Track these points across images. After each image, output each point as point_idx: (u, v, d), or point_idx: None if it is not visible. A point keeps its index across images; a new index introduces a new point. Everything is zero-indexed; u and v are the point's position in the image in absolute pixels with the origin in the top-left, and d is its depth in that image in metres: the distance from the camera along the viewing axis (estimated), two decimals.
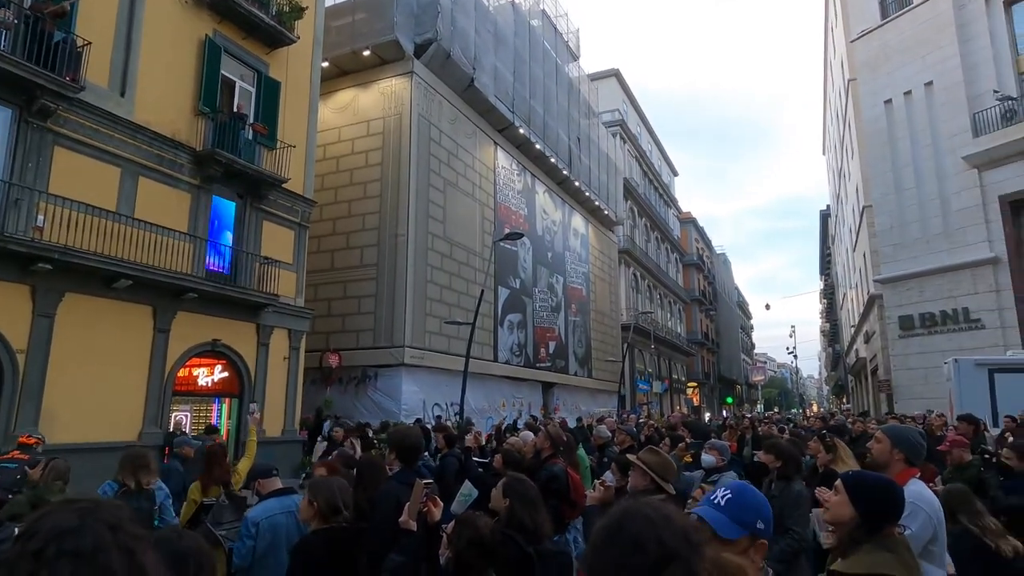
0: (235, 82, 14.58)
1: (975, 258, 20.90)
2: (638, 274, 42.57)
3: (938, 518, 3.05)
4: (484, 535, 2.78)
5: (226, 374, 14.17)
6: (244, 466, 5.36)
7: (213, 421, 13.71)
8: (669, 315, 49.27)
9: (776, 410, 55.22)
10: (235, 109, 14.12)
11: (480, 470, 6.03)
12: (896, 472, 3.29)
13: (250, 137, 14.28)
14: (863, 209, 28.07)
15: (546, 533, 3.22)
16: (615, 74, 43.98)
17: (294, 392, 15.63)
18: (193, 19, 13.64)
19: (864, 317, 31.72)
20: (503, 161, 25.38)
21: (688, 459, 6.22)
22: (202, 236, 13.33)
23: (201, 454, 6.18)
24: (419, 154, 19.67)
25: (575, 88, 31.49)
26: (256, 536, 3.79)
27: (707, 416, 42.90)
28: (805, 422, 16.77)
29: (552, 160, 28.32)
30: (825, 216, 56.19)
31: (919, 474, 3.38)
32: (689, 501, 4.28)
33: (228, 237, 14.28)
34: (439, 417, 16.77)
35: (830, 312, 62.08)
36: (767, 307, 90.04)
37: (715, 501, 1.90)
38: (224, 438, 13.93)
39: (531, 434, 6.89)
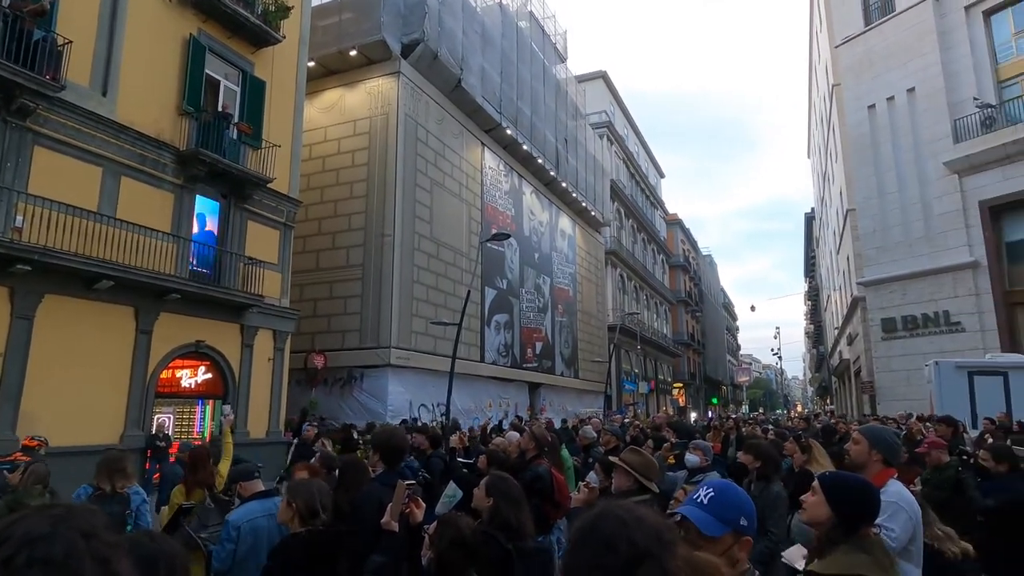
0: (220, 81, 14.46)
1: (956, 262, 21.20)
2: (624, 275, 42.74)
3: (917, 518, 3.09)
4: (466, 535, 2.78)
5: (210, 375, 14.04)
6: (223, 468, 5.32)
7: (197, 422, 13.59)
8: (655, 316, 49.51)
9: (761, 411, 55.72)
10: (220, 108, 14.01)
11: (465, 471, 6.03)
12: (874, 472, 3.33)
13: (235, 137, 14.17)
14: (847, 212, 28.39)
15: (528, 532, 3.23)
16: (602, 76, 44.15)
17: (279, 393, 15.52)
18: (177, 18, 13.52)
19: (847, 319, 32.06)
20: (490, 162, 25.39)
21: (672, 460, 6.26)
22: (185, 236, 13.21)
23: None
24: (406, 154, 19.62)
25: (562, 90, 31.57)
26: (237, 539, 3.76)
27: (693, 416, 43.17)
28: (789, 423, 16.91)
29: (539, 161, 28.37)
30: (810, 219, 56.75)
31: (896, 474, 3.43)
32: (672, 502, 4.31)
33: (212, 237, 14.15)
34: (415, 419, 16.68)
35: (814, 314, 62.68)
36: (752, 308, 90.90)
37: (698, 500, 1.92)
38: (207, 440, 13.85)
39: (517, 434, 6.90)
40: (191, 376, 13.77)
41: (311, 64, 18.47)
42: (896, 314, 22.91)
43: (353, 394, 18.69)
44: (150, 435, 12.27)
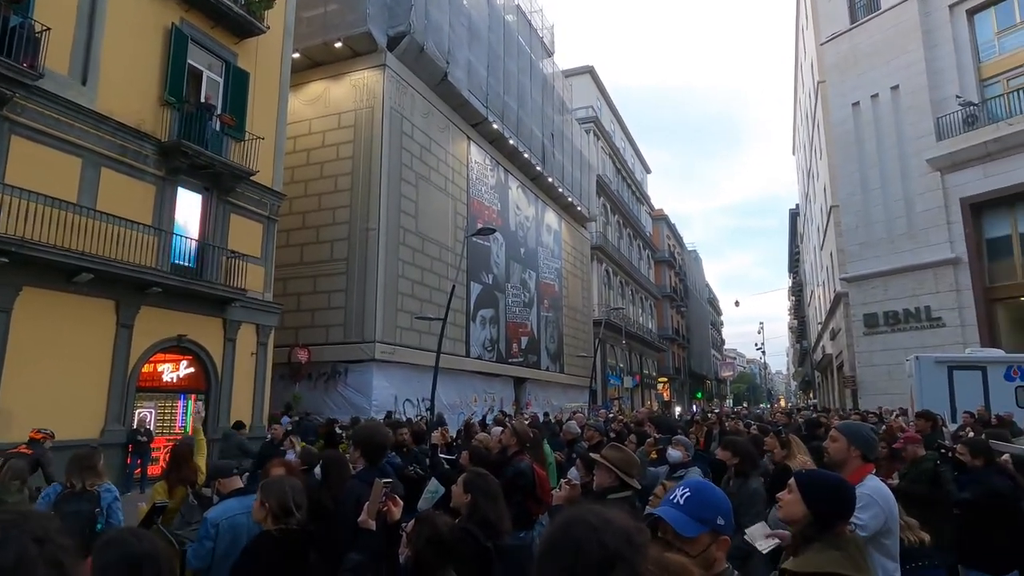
0: (202, 72, 14.26)
1: (937, 258, 21.45)
2: (610, 270, 42.86)
3: (890, 512, 3.12)
4: (443, 533, 2.76)
5: (192, 370, 13.90)
6: (200, 464, 5.27)
7: (179, 417, 13.46)
8: (640, 311, 49.73)
9: (745, 405, 56.19)
10: (202, 100, 13.81)
11: (447, 467, 6.01)
12: (853, 468, 3.36)
13: (217, 128, 13.99)
14: (830, 209, 28.62)
15: (506, 528, 3.23)
16: (589, 71, 44.12)
17: (262, 388, 15.41)
18: (159, 6, 13.29)
19: (831, 314, 32.37)
20: (476, 156, 25.30)
21: (654, 455, 6.28)
22: (167, 229, 13.03)
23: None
24: (391, 147, 19.49)
25: (549, 84, 31.50)
26: (216, 537, 3.72)
27: (677, 411, 43.47)
28: (771, 417, 17.05)
29: (526, 156, 28.32)
30: (794, 215, 57.17)
31: (874, 469, 3.46)
32: (651, 498, 4.32)
33: (194, 230, 13.98)
34: (390, 414, 16.60)
35: (798, 309, 63.28)
36: (736, 304, 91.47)
37: (674, 500, 1.92)
38: (191, 434, 13.73)
39: (501, 429, 6.89)
40: (173, 370, 13.62)
41: (296, 56, 18.28)
42: (878, 309, 23.15)
43: (337, 389, 18.60)
44: (131, 430, 12.13)
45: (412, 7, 19.75)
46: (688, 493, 1.89)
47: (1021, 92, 20.34)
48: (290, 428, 11.51)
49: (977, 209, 21.07)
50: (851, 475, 3.33)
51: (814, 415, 13.33)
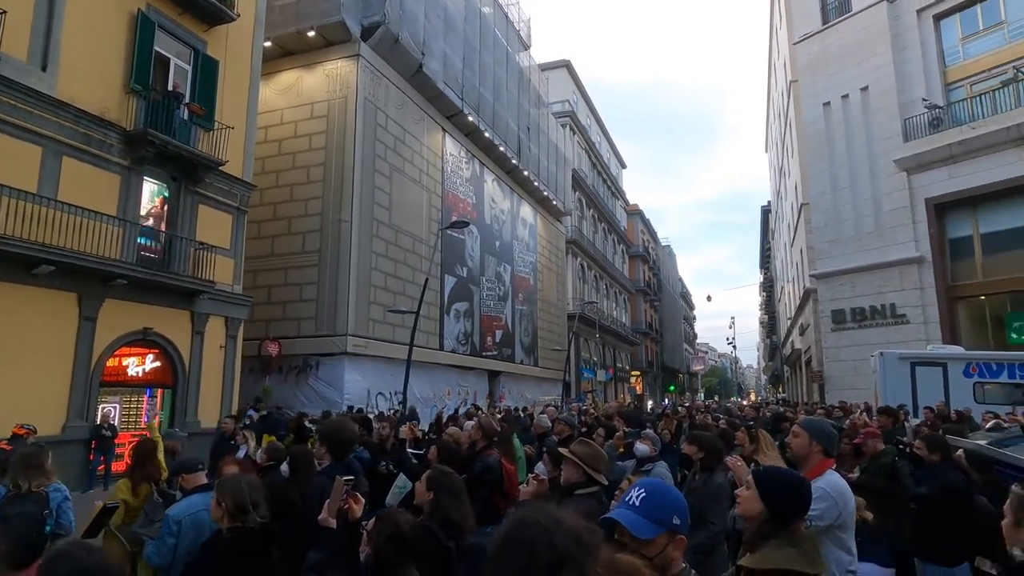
0: (170, 59, 13.89)
1: (902, 257, 21.95)
2: (585, 264, 43.06)
3: (845, 506, 3.18)
4: (404, 531, 2.74)
5: (159, 364, 13.62)
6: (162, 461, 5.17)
7: (144, 412, 13.18)
8: (614, 305, 50.08)
9: (716, 399, 57.01)
10: (170, 88, 13.47)
11: (416, 462, 5.98)
12: (815, 463, 3.42)
13: (186, 117, 13.67)
14: (801, 206, 29.09)
15: (470, 526, 3.21)
16: (566, 65, 44.12)
17: (231, 382, 15.16)
18: None
19: (800, 310, 32.96)
20: (451, 148, 25.16)
21: (622, 449, 6.33)
22: (133, 220, 12.72)
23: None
24: (365, 139, 19.28)
25: (525, 77, 31.44)
26: (178, 534, 3.66)
27: (649, 404, 43.91)
28: (740, 411, 17.31)
29: (501, 149, 28.25)
30: (766, 212, 58.04)
31: (835, 464, 3.53)
32: (616, 492, 4.35)
33: (161, 221, 13.66)
34: (352, 407, 16.44)
35: (769, 304, 64.37)
36: (708, 299, 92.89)
37: (630, 502, 1.92)
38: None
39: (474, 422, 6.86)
40: (139, 364, 13.33)
41: (267, 44, 17.94)
42: (846, 306, 23.63)
43: (309, 382, 18.41)
44: (95, 425, 11.85)
45: None
46: (644, 494, 1.89)
47: (984, 97, 20.89)
48: (248, 423, 11.29)
49: (941, 209, 21.60)
50: (812, 469, 3.40)
51: (780, 409, 13.58)
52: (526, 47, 33.29)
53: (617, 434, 6.83)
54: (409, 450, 6.42)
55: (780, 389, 53.83)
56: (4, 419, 10.20)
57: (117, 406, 12.87)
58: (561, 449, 4.24)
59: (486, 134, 26.62)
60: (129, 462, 5.28)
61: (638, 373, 55.57)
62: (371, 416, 14.68)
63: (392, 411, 18.05)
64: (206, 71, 14.46)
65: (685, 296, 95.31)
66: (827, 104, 25.26)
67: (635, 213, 60.88)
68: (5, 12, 10.39)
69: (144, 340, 13.09)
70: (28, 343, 10.89)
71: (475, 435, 5.66)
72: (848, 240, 23.94)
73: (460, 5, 24.52)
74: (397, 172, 21.06)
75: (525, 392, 30.76)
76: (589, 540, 1.31)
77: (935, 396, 14.00)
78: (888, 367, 15.51)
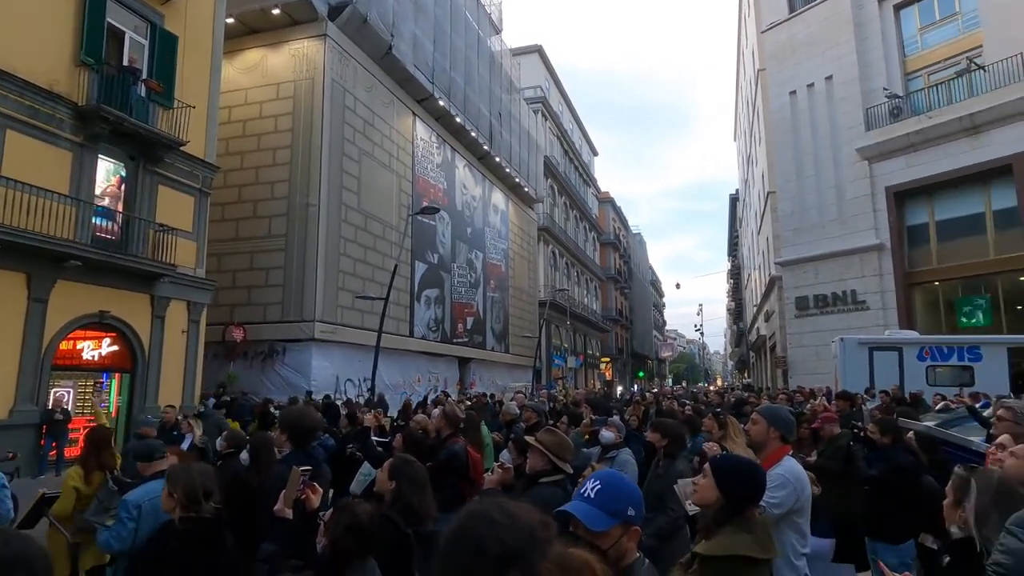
0: (125, 33, 13.33)
1: (863, 244, 22.47)
2: (556, 252, 43.16)
3: (802, 491, 3.24)
4: (363, 522, 2.70)
5: (116, 348, 13.24)
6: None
7: (102, 398, 12.82)
8: (585, 292, 50.39)
9: (683, 384, 57.99)
10: (126, 63, 12.96)
11: (380, 450, 5.94)
12: (773, 449, 3.47)
13: (143, 94, 13.18)
14: (767, 195, 29.52)
15: (431, 515, 3.19)
16: (538, 50, 43.83)
17: (193, 367, 14.85)
18: None
19: (765, 297, 33.57)
20: (422, 133, 24.85)
21: (588, 436, 6.36)
22: (87, 199, 12.27)
23: None
24: (332, 121, 18.90)
25: (497, 62, 31.15)
26: (138, 518, 3.58)
27: (619, 390, 44.46)
28: (706, 397, 17.62)
29: (473, 134, 28.01)
30: (734, 200, 58.82)
31: (792, 450, 3.58)
32: (580, 480, 4.37)
33: (117, 202, 13.21)
34: (310, 394, 16.25)
35: (736, 292, 65.45)
36: (677, 286, 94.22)
37: (585, 494, 1.91)
38: (114, 415, 13.15)
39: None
40: (94, 348, 12.94)
41: (230, 21, 17.39)
42: (809, 293, 24.13)
43: (275, 368, 18.15)
44: (46, 410, 11.49)
45: None
46: (599, 486, 1.89)
47: (940, 87, 21.40)
48: (202, 411, 11.03)
49: (900, 198, 22.13)
50: (770, 455, 3.45)
51: (743, 395, 13.84)
52: (498, 31, 32.96)
53: (584, 421, 6.86)
54: (374, 438, 6.36)
55: (746, 374, 54.94)
56: None
57: (71, 390, 12.49)
58: (527, 437, 4.23)
59: (457, 119, 26.34)
60: (83, 449, 5.13)
61: (608, 359, 56.14)
62: (339, 403, 14.64)
63: (360, 398, 17.94)
64: (164, 46, 13.95)
65: (655, 283, 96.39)
66: (793, 93, 25.59)
67: (606, 201, 61.14)
68: None
69: (100, 323, 12.70)
70: None
71: (438, 424, 5.63)
72: (812, 228, 24.40)
73: None
74: (366, 156, 20.73)
75: (496, 379, 30.83)
76: (541, 536, 1.29)
77: (891, 380, 14.43)
78: (848, 352, 15.93)
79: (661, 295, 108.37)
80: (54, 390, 11.95)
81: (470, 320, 28.64)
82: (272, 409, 10.82)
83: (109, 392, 13.21)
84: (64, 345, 12.21)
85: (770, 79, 27.18)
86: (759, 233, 35.82)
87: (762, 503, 2.80)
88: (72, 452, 11.31)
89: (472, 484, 5.37)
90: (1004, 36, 19.73)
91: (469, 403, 13.29)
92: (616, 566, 1.82)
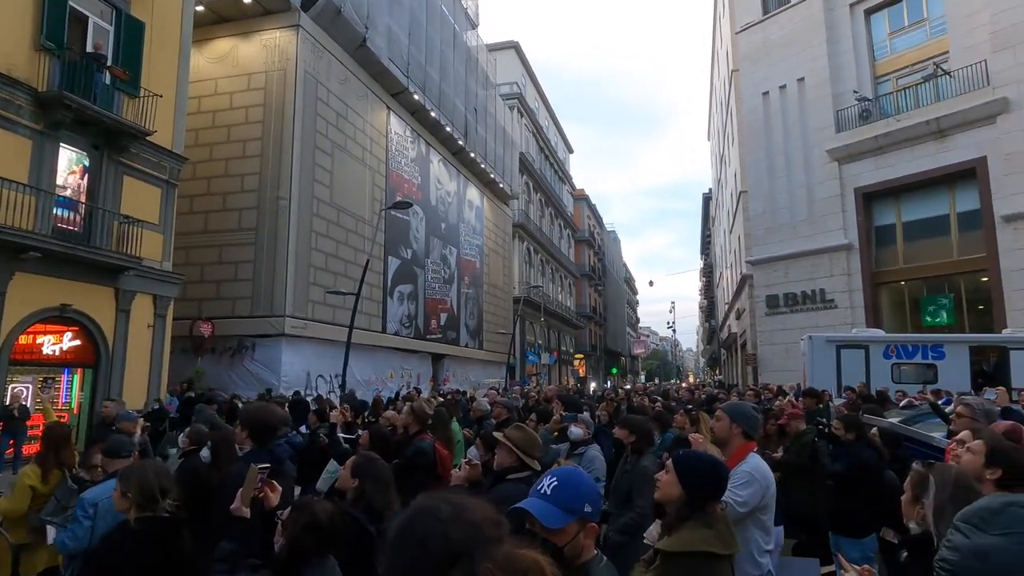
0: (88, 18, 12.91)
1: (832, 244, 22.91)
2: (531, 248, 43.19)
3: (768, 488, 3.26)
4: (321, 520, 2.64)
5: (78, 342, 12.87)
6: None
7: (62, 393, 12.46)
8: (560, 289, 50.53)
9: (656, 381, 58.53)
10: (90, 49, 12.56)
11: (347, 447, 5.85)
12: (736, 446, 3.48)
13: (108, 82, 12.81)
14: (740, 194, 29.91)
15: (394, 512, 3.14)
16: (514, 47, 43.73)
17: (159, 362, 14.52)
18: None
19: (737, 295, 34.04)
20: (396, 127, 24.62)
21: (558, 433, 6.35)
22: (47, 189, 11.89)
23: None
24: (305, 113, 18.61)
25: (473, 57, 30.99)
26: (95, 516, 3.47)
27: (592, 386, 44.70)
28: (677, 394, 17.79)
29: (448, 129, 27.84)
30: (707, 199, 59.50)
31: (756, 447, 3.60)
32: None
33: (80, 192, 12.83)
34: (268, 391, 15.98)
35: (708, 290, 66.29)
36: (651, 284, 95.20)
37: (542, 491, 1.89)
38: (76, 412, 12.81)
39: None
40: (55, 342, 12.56)
41: (199, 8, 16.99)
42: (779, 291, 24.52)
43: (244, 364, 17.84)
44: (3, 406, 11.13)
45: None
46: (556, 483, 1.87)
47: (908, 91, 21.89)
48: (155, 408, 10.77)
49: (868, 198, 22.60)
50: (735, 452, 3.46)
51: (714, 392, 14.00)
52: (474, 26, 32.80)
53: (554, 418, 6.85)
54: (341, 434, 6.27)
55: (717, 371, 55.67)
56: None
57: (30, 386, 12.10)
58: (496, 434, 4.20)
59: (432, 114, 26.15)
60: (40, 446, 4.96)
61: (582, 356, 56.42)
62: (308, 399, 14.44)
63: (331, 394, 17.74)
64: (130, 33, 13.57)
65: (628, 281, 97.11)
66: (766, 94, 25.93)
67: (582, 198, 61.35)
68: None
69: (62, 317, 12.32)
70: None
71: (405, 421, 5.57)
72: (783, 227, 24.78)
73: None
74: (339, 149, 20.46)
75: (470, 375, 30.75)
76: (488, 534, 1.25)
77: (858, 377, 14.72)
78: (816, 350, 16.21)
79: (635, 293, 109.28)
80: (11, 386, 11.58)
81: (444, 316, 28.52)
82: (240, 405, 10.63)
83: (71, 388, 12.83)
84: (23, 339, 11.83)
85: (743, 80, 27.51)
86: (731, 232, 36.28)
87: (728, 501, 2.81)
88: (31, 449, 10.96)
89: (440, 480, 5.32)
90: (968, 43, 20.25)
91: (442, 399, 13.22)
92: (573, 563, 1.80)
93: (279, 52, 18.56)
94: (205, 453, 4.85)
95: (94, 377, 13.06)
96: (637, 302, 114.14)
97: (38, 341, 12.39)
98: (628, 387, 27.24)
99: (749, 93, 26.81)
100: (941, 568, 1.04)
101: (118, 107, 13.08)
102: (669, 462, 2.51)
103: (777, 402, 10.44)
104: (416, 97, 24.63)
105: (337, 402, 13.77)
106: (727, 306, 41.51)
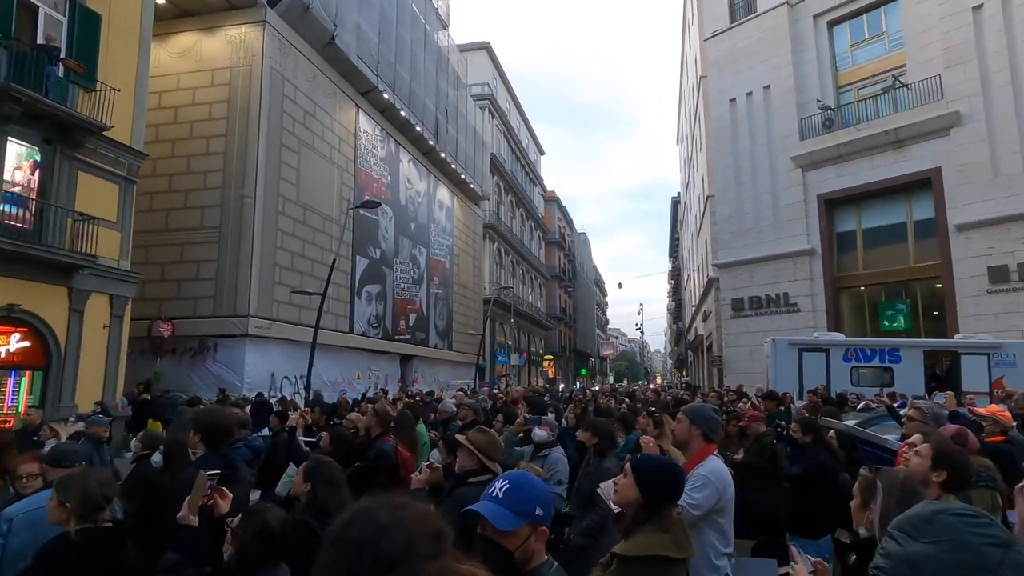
0: (39, 7, 12.42)
1: (796, 249, 23.40)
2: (502, 249, 43.19)
3: (725, 491, 3.27)
4: (273, 528, 2.57)
5: (27, 343, 12.39)
6: None
7: (8, 397, 11.99)
8: (530, 290, 50.64)
9: (624, 382, 59.01)
10: (41, 40, 12.12)
11: (307, 449, 5.74)
12: (696, 448, 3.49)
13: (61, 74, 12.38)
14: (707, 198, 30.35)
15: None
16: (486, 47, 43.71)
17: (115, 364, 14.07)
18: None
19: (703, 298, 34.53)
20: (365, 126, 24.37)
21: (522, 435, 6.33)
22: None
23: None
24: (271, 111, 18.28)
25: (444, 57, 30.87)
26: (7, 534, 3.25)
27: (561, 387, 44.86)
28: (644, 396, 17.93)
29: (418, 129, 27.67)
30: (676, 202, 60.24)
31: (716, 450, 3.62)
32: None
33: (31, 188, 12.37)
34: (222, 392, 15.65)
35: (676, 292, 67.08)
36: (620, 286, 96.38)
37: (493, 494, 1.87)
38: (23, 416, 12.32)
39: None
40: (2, 344, 12.08)
41: (160, 1, 16.55)
42: (744, 294, 24.95)
43: (206, 365, 17.43)
44: None
45: None
46: (507, 486, 1.85)
47: (868, 102, 22.52)
48: (96, 411, 10.42)
49: (830, 205, 23.15)
50: (695, 454, 3.47)
51: (680, 394, 14.14)
52: (445, 26, 32.69)
53: (518, 420, 6.83)
54: (301, 437, 6.15)
55: (684, 373, 56.37)
56: None
57: None
58: (458, 436, 4.16)
59: (402, 113, 25.96)
60: None
61: (551, 357, 56.61)
62: (272, 401, 14.18)
63: (295, 395, 17.47)
64: (86, 24, 13.13)
65: (598, 283, 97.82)
66: (733, 100, 26.38)
67: (552, 200, 61.61)
68: None
69: (9, 317, 11.85)
70: None
71: (370, 422, 5.48)
72: (749, 232, 25.22)
73: None
74: (306, 147, 20.16)
75: (439, 376, 30.57)
76: (422, 548, 1.21)
77: (819, 379, 15.05)
78: (779, 352, 16.52)
79: (604, 294, 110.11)
80: None
81: (413, 317, 28.31)
82: (201, 407, 10.37)
83: (18, 391, 12.34)
84: None
85: (711, 86, 27.94)
86: (698, 236, 36.79)
87: (682, 504, 2.82)
88: None
89: (402, 483, 5.25)
90: (923, 58, 20.94)
91: (409, 400, 13.10)
92: (524, 568, 1.79)
93: (244, 48, 18.21)
94: (157, 458, 4.71)
95: (44, 380, 12.60)
96: (606, 304, 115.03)
97: None
98: (596, 388, 27.41)
99: (717, 99, 27.24)
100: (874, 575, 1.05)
101: (72, 101, 12.66)
102: (627, 466, 2.51)
103: (740, 404, 10.59)
104: (386, 96, 24.43)
105: (302, 404, 13.61)
106: (694, 308, 42.07)
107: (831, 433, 5.26)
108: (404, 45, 25.92)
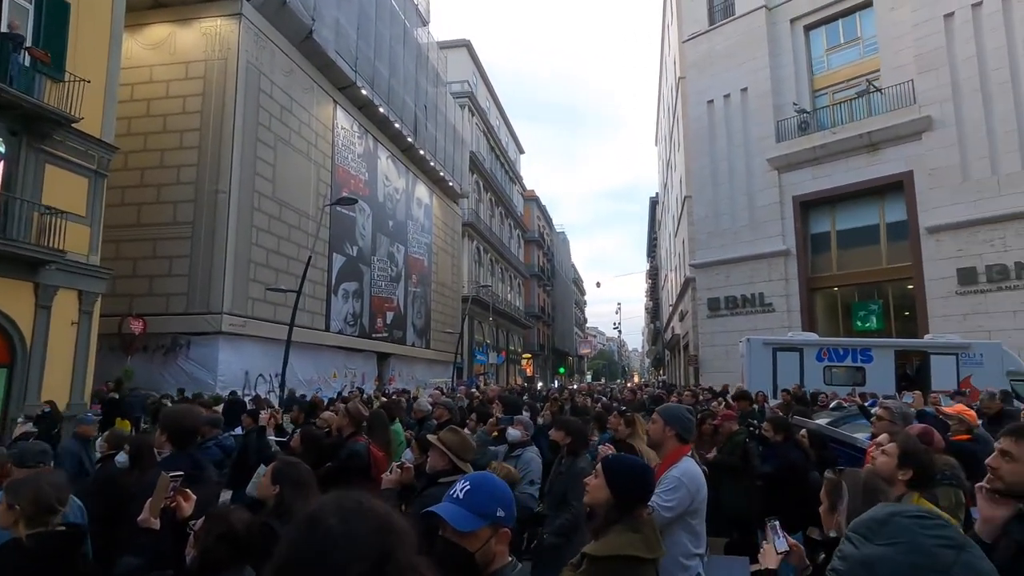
0: None
1: (771, 249, 23.70)
2: (481, 248, 43.11)
3: (698, 492, 3.27)
4: (237, 530, 2.50)
5: None
6: None
7: None
8: (509, 289, 50.64)
9: (602, 381, 59.34)
10: (6, 28, 11.78)
11: (277, 448, 5.65)
12: (670, 449, 3.49)
13: (27, 64, 12.06)
14: (684, 199, 30.60)
15: None
16: (466, 45, 43.56)
17: (84, 361, 13.74)
18: None
19: (680, 297, 34.83)
20: (343, 122, 24.13)
21: (496, 434, 6.31)
22: None
23: None
24: (246, 105, 18.00)
25: (423, 54, 30.70)
26: None
27: (539, 385, 44.94)
28: (621, 395, 18.04)
29: (397, 126, 27.47)
30: (654, 203, 60.70)
31: (690, 450, 3.62)
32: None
33: None
34: (182, 391, 15.40)
35: (654, 291, 67.65)
36: (598, 285, 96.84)
37: (454, 495, 1.85)
38: None
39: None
40: None
41: None
42: (721, 294, 25.20)
43: (178, 363, 17.11)
44: None
45: None
46: (468, 487, 1.83)
47: (843, 105, 22.87)
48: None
49: (806, 207, 23.48)
50: (669, 454, 3.47)
51: (657, 392, 14.23)
52: (425, 23, 32.49)
53: (491, 419, 6.81)
54: (272, 437, 6.06)
55: (662, 372, 56.83)
56: None
57: None
58: (429, 436, 4.13)
59: (381, 109, 25.75)
60: None
61: (529, 356, 56.68)
62: (245, 399, 13.97)
63: (269, 393, 17.25)
64: (54, 13, 12.78)
65: (577, 282, 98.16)
66: (711, 102, 26.62)
67: (532, 199, 61.66)
68: None
69: None
70: None
71: (342, 422, 5.42)
72: (725, 232, 25.48)
73: None
74: (282, 143, 19.89)
75: (416, 375, 30.42)
76: (370, 566, 1.16)
77: (793, 379, 15.25)
78: (753, 352, 16.71)
79: (583, 293, 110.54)
80: None
81: (390, 315, 28.13)
82: (170, 406, 10.17)
83: None
84: None
85: (689, 87, 28.16)
86: (676, 236, 37.09)
87: (654, 506, 2.82)
88: None
89: (374, 484, 5.20)
90: (896, 64, 21.34)
91: (384, 398, 13.00)
92: (485, 570, 1.76)
93: (220, 41, 17.90)
94: (122, 458, 4.61)
95: (9, 377, 12.27)
96: (585, 303, 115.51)
97: None
98: (575, 387, 27.50)
99: (695, 100, 27.47)
100: None
101: (39, 91, 12.32)
102: (599, 466, 2.49)
103: (714, 403, 10.69)
104: (364, 92, 24.21)
105: (277, 403, 13.44)
106: (671, 308, 42.42)
107: (803, 432, 5.31)
108: (383, 41, 25.72)
